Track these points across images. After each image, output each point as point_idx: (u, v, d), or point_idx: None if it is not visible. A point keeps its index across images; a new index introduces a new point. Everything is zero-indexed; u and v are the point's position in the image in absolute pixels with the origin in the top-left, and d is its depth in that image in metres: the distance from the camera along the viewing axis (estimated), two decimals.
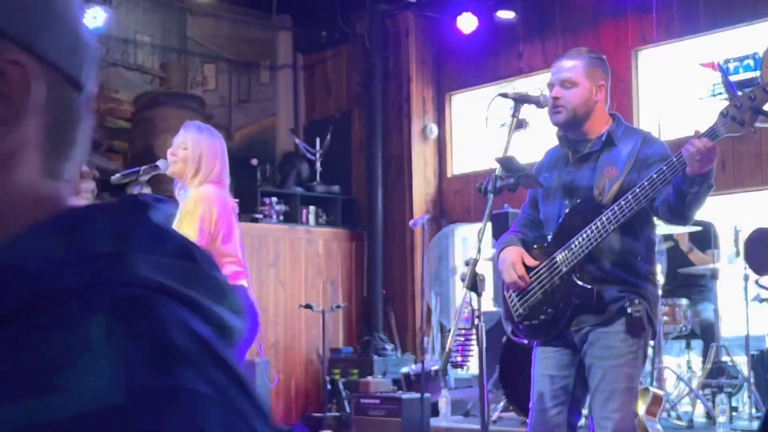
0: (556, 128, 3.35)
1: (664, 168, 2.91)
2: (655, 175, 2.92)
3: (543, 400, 3.23)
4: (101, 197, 7.48)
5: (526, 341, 3.39)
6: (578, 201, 3.18)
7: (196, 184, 3.96)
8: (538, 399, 3.25)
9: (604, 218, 3.02)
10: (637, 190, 2.96)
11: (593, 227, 3.04)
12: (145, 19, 8.85)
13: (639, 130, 3.33)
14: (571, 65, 3.25)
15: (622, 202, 2.98)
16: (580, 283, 3.09)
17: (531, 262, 3.22)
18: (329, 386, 7.09)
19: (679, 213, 2.97)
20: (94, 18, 7.90)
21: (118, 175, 4.11)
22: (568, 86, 3.22)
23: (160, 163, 4.03)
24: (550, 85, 3.27)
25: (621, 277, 3.11)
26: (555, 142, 3.41)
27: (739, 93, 2.82)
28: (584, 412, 3.35)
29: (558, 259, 3.14)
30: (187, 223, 3.80)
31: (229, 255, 3.92)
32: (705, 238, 6.14)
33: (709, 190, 2.91)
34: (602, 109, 3.27)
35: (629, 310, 3.07)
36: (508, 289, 3.31)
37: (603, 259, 3.11)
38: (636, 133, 3.24)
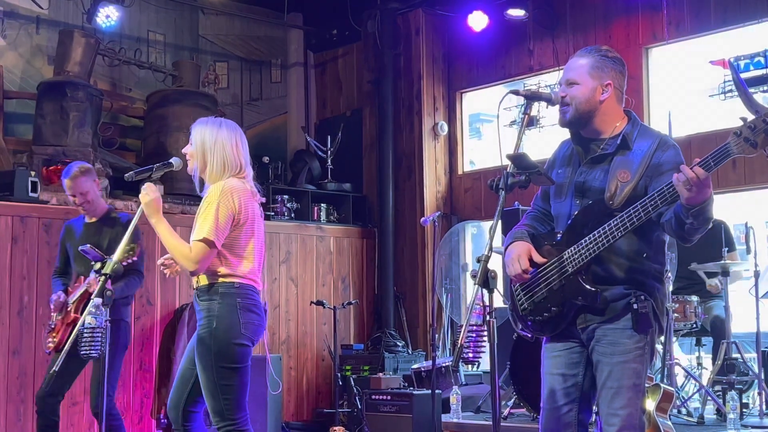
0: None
1: (662, 192, 2.92)
2: (665, 188, 2.92)
3: (553, 398, 3.24)
4: (114, 194, 7.53)
5: (530, 335, 3.39)
6: (589, 202, 3.19)
7: (215, 179, 3.89)
8: (549, 397, 3.26)
9: (612, 224, 3.02)
10: (647, 200, 2.96)
11: (602, 231, 3.05)
12: (157, 17, 8.90)
13: (654, 131, 3.30)
14: (576, 65, 3.25)
15: (632, 211, 2.98)
16: (585, 285, 3.10)
17: (539, 258, 3.23)
18: (340, 382, 7.12)
19: (681, 236, 3.00)
20: (107, 17, 7.95)
21: (131, 172, 4.13)
22: (571, 85, 3.23)
23: (173, 160, 4.04)
24: (559, 85, 3.29)
25: (628, 276, 3.12)
26: (567, 136, 3.41)
27: (749, 119, 2.80)
28: (595, 409, 3.36)
29: (565, 259, 3.15)
30: (204, 216, 3.77)
31: (244, 251, 3.89)
32: (716, 237, 6.15)
33: (706, 223, 2.91)
34: (611, 108, 3.24)
35: (635, 306, 3.08)
36: (514, 282, 3.33)
37: (610, 258, 3.12)
38: (651, 135, 3.22)
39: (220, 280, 3.81)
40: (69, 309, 5.27)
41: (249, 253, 3.89)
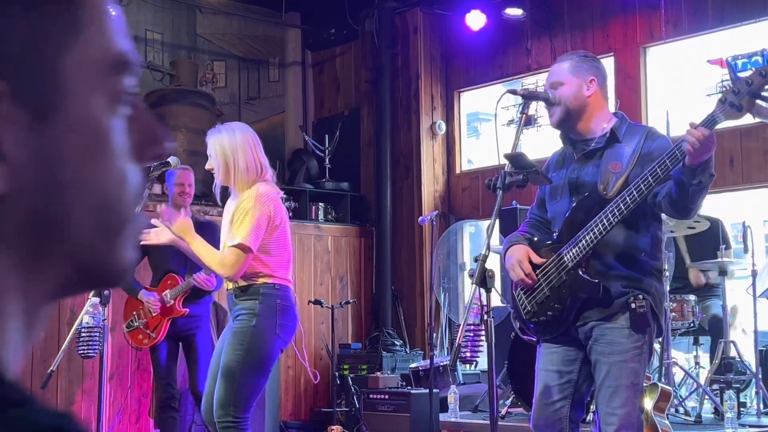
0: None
1: (666, 159, 2.93)
2: (657, 167, 2.94)
3: (547, 394, 3.25)
4: None
5: (535, 339, 3.40)
6: (583, 196, 3.20)
7: (242, 184, 3.95)
8: (542, 393, 3.27)
9: (608, 211, 3.04)
10: (640, 181, 2.98)
11: (598, 221, 3.07)
12: (155, 16, 8.89)
13: (643, 126, 3.36)
14: (557, 69, 3.34)
15: (626, 195, 3.00)
16: (586, 277, 3.11)
17: (537, 259, 3.24)
18: (338, 382, 7.12)
19: (682, 206, 2.98)
20: None
21: None
22: (556, 87, 3.27)
23: (170, 159, 4.05)
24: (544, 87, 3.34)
25: (625, 272, 3.13)
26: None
27: (733, 85, 2.86)
28: (592, 407, 3.37)
29: (564, 255, 3.16)
30: (240, 222, 3.84)
31: (281, 254, 3.97)
32: (713, 235, 6.15)
33: (711, 180, 2.92)
34: (599, 106, 3.29)
35: (633, 306, 3.09)
36: (516, 287, 3.33)
37: (608, 254, 3.13)
38: (640, 130, 3.28)
39: (260, 281, 3.91)
40: (170, 304, 5.64)
41: (283, 255, 4.00)
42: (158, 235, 4.06)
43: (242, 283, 3.91)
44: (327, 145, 8.81)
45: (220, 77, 9.37)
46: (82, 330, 5.45)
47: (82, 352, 5.51)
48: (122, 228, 0.63)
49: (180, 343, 5.77)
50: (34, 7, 0.57)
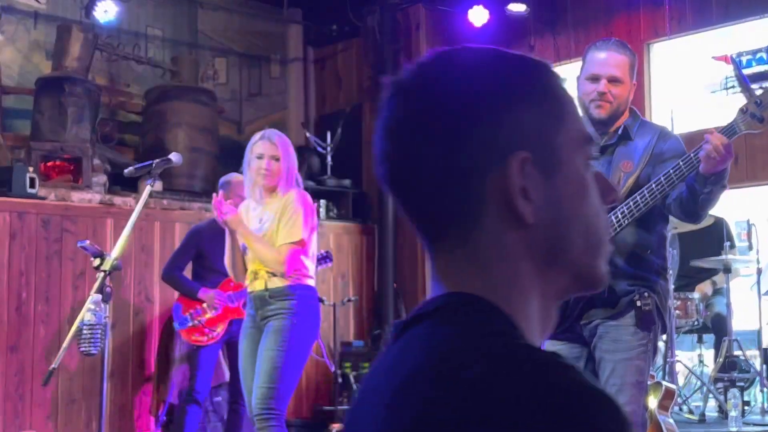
0: None
1: (681, 164, 2.90)
2: (671, 171, 2.91)
3: None
4: (113, 190, 7.49)
5: None
6: None
7: (287, 188, 4.16)
8: None
9: (618, 213, 3.02)
10: (653, 185, 2.95)
11: None
12: (156, 12, 8.86)
13: (655, 125, 3.33)
14: (619, 61, 3.18)
15: (638, 197, 2.98)
16: None
17: None
18: (340, 380, 7.10)
19: (692, 212, 2.97)
20: (106, 11, 7.91)
21: (131, 168, 4.13)
22: (613, 82, 3.17)
23: (172, 156, 4.05)
24: (595, 78, 3.17)
25: (631, 271, 3.11)
26: None
27: (759, 90, 2.82)
28: None
29: None
30: (294, 221, 4.01)
31: (313, 255, 4.17)
32: (717, 234, 6.13)
33: (722, 191, 2.91)
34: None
35: (639, 304, 3.07)
36: None
37: (614, 253, 3.11)
38: (652, 128, 3.24)
39: (299, 281, 4.07)
40: (235, 306, 5.69)
41: (313, 256, 4.19)
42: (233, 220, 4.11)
43: (279, 283, 4.03)
44: (329, 141, 8.78)
45: (221, 73, 9.34)
46: (84, 327, 5.43)
47: (84, 349, 5.48)
48: (601, 247, 0.94)
49: (225, 347, 5.87)
50: (540, 107, 0.94)
